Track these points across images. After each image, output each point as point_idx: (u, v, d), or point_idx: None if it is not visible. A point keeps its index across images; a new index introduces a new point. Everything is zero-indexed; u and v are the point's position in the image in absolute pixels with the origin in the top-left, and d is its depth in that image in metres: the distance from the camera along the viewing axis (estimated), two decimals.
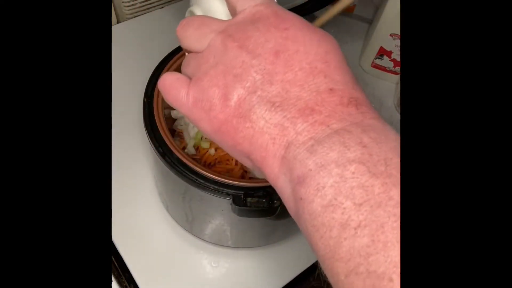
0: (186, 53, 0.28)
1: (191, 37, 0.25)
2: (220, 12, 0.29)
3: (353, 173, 0.18)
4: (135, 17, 0.67)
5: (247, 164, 0.24)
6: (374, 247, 0.17)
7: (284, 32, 0.23)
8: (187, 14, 0.32)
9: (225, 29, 0.24)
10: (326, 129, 0.20)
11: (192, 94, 0.24)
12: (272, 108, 0.21)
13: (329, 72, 0.22)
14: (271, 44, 0.23)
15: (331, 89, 0.22)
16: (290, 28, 0.23)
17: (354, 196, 0.18)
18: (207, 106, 0.23)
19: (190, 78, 0.25)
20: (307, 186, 0.19)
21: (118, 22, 0.66)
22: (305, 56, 0.22)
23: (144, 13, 0.68)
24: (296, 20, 0.24)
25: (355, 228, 0.17)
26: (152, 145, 0.38)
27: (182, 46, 0.26)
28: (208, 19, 0.26)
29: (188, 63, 0.26)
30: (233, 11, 0.26)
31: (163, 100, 0.40)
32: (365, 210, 0.17)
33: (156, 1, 0.68)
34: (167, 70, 0.42)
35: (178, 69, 0.42)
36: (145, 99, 0.40)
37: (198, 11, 0.30)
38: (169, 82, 0.25)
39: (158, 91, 0.41)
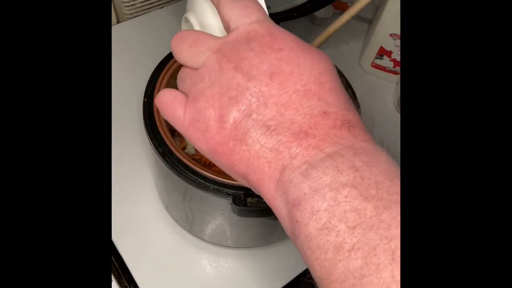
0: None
1: (186, 53, 0.25)
2: (215, 27, 0.29)
3: (346, 196, 0.19)
4: (135, 17, 0.67)
5: (244, 183, 0.24)
6: (367, 269, 0.17)
7: (278, 53, 0.23)
8: (182, 21, 0.32)
9: (220, 48, 0.24)
10: (320, 153, 0.21)
11: (188, 114, 0.24)
12: (267, 132, 0.22)
13: (323, 94, 0.22)
14: (265, 66, 0.23)
15: (324, 112, 0.22)
16: (284, 49, 0.23)
17: (348, 219, 0.18)
18: (204, 127, 0.24)
19: (186, 95, 0.25)
20: (302, 209, 0.20)
21: (118, 22, 0.66)
22: (299, 78, 0.23)
23: (144, 13, 0.68)
24: (290, 39, 0.24)
25: (349, 251, 0.18)
26: (152, 145, 0.38)
27: (177, 60, 0.26)
28: (202, 35, 0.25)
29: (184, 79, 0.26)
30: (227, 27, 0.26)
31: None
32: (358, 233, 0.18)
33: (156, 1, 0.68)
34: (167, 70, 0.42)
35: (178, 70, 0.42)
36: (145, 99, 0.40)
37: (193, 18, 0.30)
38: (166, 100, 0.26)
39: (158, 91, 0.41)
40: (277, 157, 0.21)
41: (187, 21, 0.31)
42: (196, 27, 0.30)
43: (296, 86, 0.22)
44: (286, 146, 0.21)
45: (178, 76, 0.27)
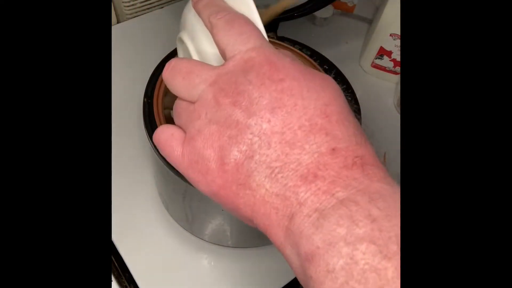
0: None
1: (179, 86, 0.24)
2: (210, 53, 0.27)
3: (364, 253, 0.17)
4: (135, 17, 0.67)
5: (251, 225, 0.23)
6: None
7: (279, 84, 0.21)
8: (177, 42, 0.31)
9: (216, 80, 0.23)
10: (331, 199, 0.19)
11: (186, 154, 0.23)
12: (272, 175, 0.20)
13: (330, 128, 0.21)
14: (266, 100, 0.21)
15: (333, 149, 0.20)
16: (285, 79, 0.21)
17: (367, 280, 0.17)
18: (204, 169, 0.22)
19: (184, 131, 0.24)
20: (316, 265, 0.18)
21: (118, 22, 0.66)
22: (304, 112, 0.21)
23: (144, 13, 0.68)
24: (291, 67, 0.22)
25: None
26: (152, 145, 0.38)
27: (171, 91, 0.25)
28: (196, 66, 0.24)
29: (179, 114, 0.25)
30: (223, 55, 0.24)
31: (163, 100, 0.40)
32: None
33: (156, 1, 0.68)
34: None
35: None
36: (145, 99, 0.40)
37: (188, 42, 0.29)
38: (163, 139, 0.24)
39: (158, 91, 0.41)
40: (284, 203, 0.20)
41: (182, 42, 0.30)
42: (193, 52, 0.28)
43: (300, 121, 0.21)
44: (293, 192, 0.20)
45: (174, 110, 0.25)
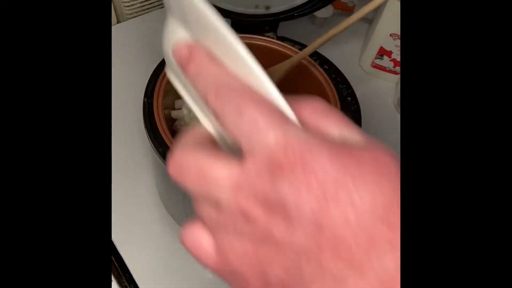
0: None
1: (193, 190, 0.20)
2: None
3: None
4: (135, 17, 0.67)
5: None
6: None
7: (319, 191, 0.16)
8: (169, 73, 0.26)
9: (236, 187, 0.18)
10: None
11: (222, 266, 0.20)
12: None
13: (394, 239, 0.16)
14: (307, 214, 0.17)
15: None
16: (327, 182, 0.17)
17: None
18: (244, 285, 0.20)
19: (210, 233, 0.21)
20: None
21: (118, 22, 0.66)
22: (360, 228, 0.16)
23: (144, 13, 0.68)
24: (331, 164, 0.17)
25: None
26: (152, 145, 0.38)
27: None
28: (206, 165, 0.20)
29: (201, 215, 0.21)
30: (237, 143, 0.19)
31: (163, 100, 0.40)
32: None
33: (156, 1, 0.68)
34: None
35: None
36: (145, 99, 0.40)
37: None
38: (193, 247, 0.21)
39: (158, 91, 0.41)
40: None
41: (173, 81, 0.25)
42: (189, 101, 0.24)
43: (357, 238, 0.16)
44: None
45: (195, 209, 0.22)
